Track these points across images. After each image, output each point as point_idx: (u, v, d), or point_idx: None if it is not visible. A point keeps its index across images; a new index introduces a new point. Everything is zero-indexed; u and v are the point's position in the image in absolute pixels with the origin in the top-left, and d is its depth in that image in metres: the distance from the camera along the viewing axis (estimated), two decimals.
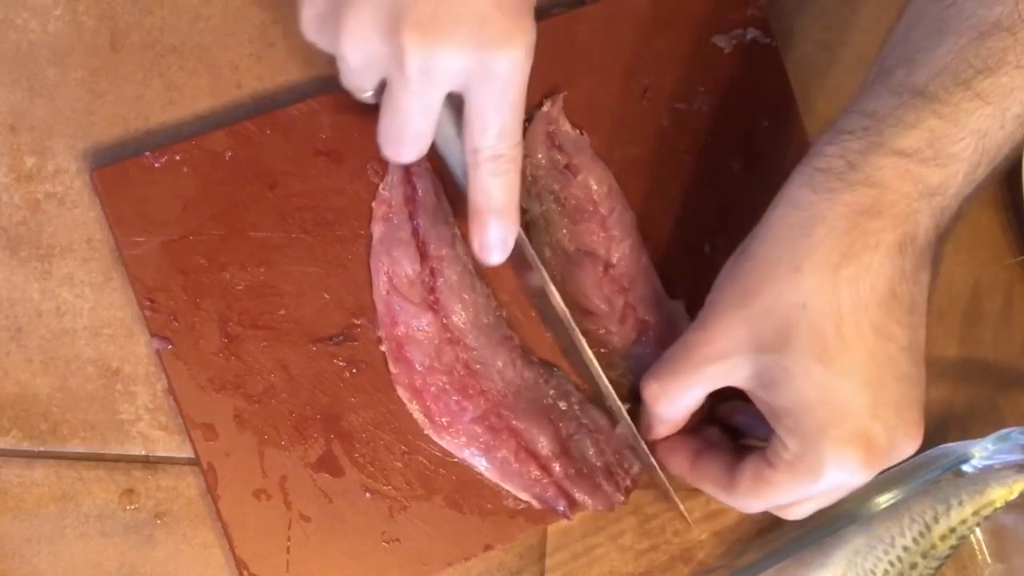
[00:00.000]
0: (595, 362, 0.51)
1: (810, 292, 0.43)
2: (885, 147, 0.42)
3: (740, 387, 0.46)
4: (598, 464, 0.53)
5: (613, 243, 0.53)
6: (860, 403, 0.43)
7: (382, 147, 0.45)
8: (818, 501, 0.47)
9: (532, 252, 0.49)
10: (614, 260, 0.53)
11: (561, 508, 0.52)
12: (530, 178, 0.53)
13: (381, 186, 0.52)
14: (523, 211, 0.53)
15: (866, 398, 0.43)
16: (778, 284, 0.43)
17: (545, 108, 0.53)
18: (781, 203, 0.45)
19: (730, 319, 0.45)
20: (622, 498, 0.53)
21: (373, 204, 0.52)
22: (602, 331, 0.54)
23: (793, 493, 0.46)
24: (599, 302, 0.53)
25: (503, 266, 0.48)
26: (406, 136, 0.44)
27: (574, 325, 0.50)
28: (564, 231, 0.53)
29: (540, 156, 0.53)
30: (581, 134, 0.54)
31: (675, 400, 0.48)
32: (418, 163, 0.52)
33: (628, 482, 0.53)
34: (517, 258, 0.48)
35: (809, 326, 0.43)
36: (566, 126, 0.53)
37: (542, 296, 0.51)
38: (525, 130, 0.53)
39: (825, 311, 0.43)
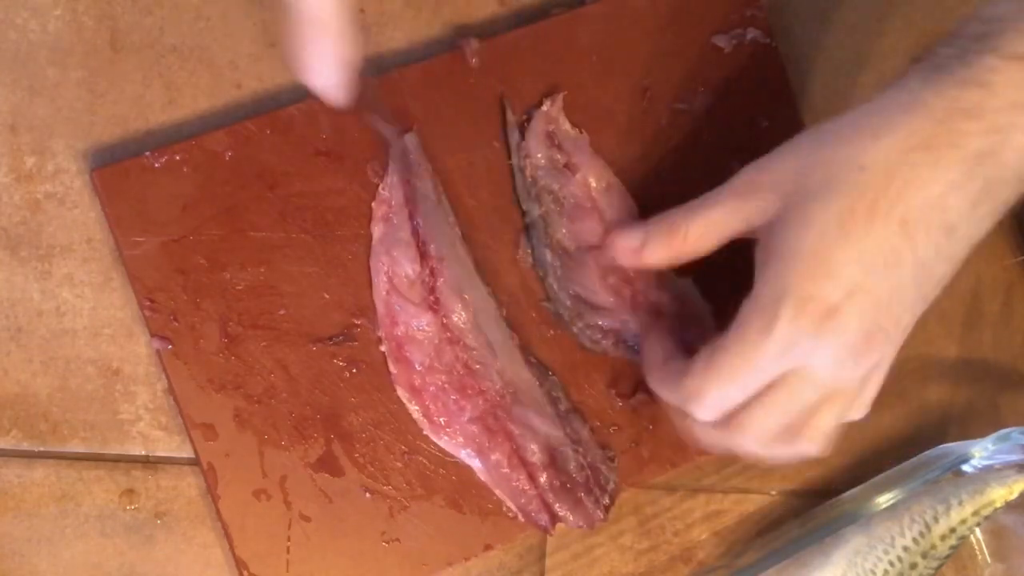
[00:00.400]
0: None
1: (874, 159, 0.42)
2: (1001, 51, 0.41)
3: (754, 230, 0.45)
4: (579, 479, 0.53)
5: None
6: (847, 278, 0.42)
7: (304, 79, 0.40)
8: (769, 396, 0.44)
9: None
10: None
11: (543, 523, 0.52)
12: (530, 179, 0.53)
13: (381, 186, 0.52)
14: (523, 214, 0.53)
15: (854, 277, 0.42)
16: (851, 144, 0.43)
17: (545, 107, 0.53)
18: (891, 87, 0.44)
19: (790, 160, 0.44)
20: (602, 515, 0.53)
21: (373, 204, 0.52)
22: (618, 325, 0.53)
23: (743, 360, 0.43)
24: (607, 295, 0.53)
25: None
26: (322, 61, 0.40)
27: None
28: (563, 231, 0.53)
29: (540, 156, 0.53)
30: (581, 133, 0.54)
31: (702, 226, 0.47)
32: (418, 163, 0.52)
33: (606, 499, 0.53)
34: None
35: (852, 188, 0.42)
36: (566, 125, 0.53)
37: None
38: (525, 130, 0.53)
39: (874, 183, 0.41)
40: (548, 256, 0.53)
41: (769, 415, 0.44)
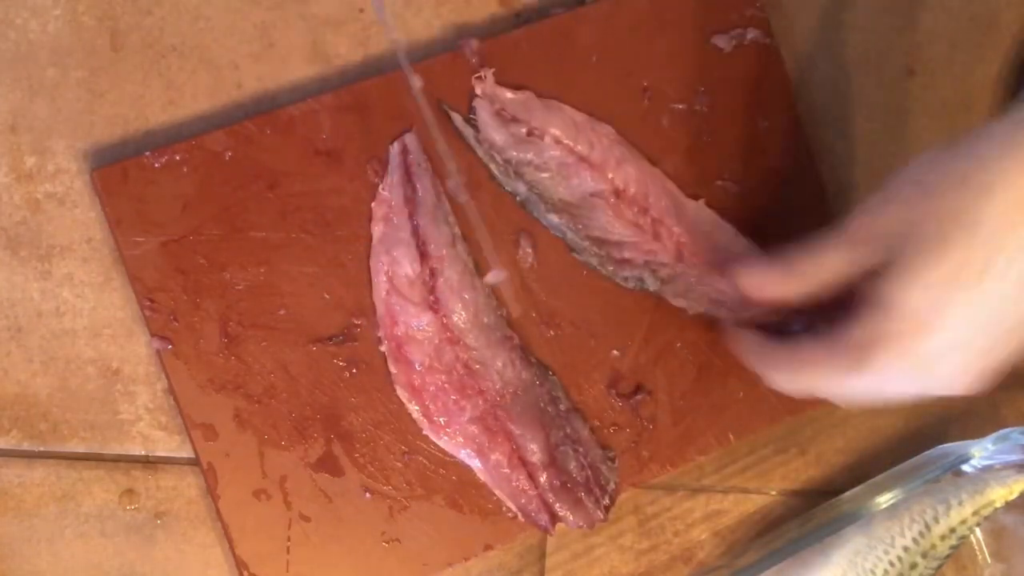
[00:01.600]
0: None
1: (989, 215, 0.40)
2: None
3: (860, 272, 0.45)
4: (579, 479, 0.53)
5: (610, 170, 0.53)
6: (952, 332, 0.41)
7: None
8: (853, 390, 0.45)
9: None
10: (621, 185, 0.53)
11: (543, 523, 0.52)
12: (503, 164, 0.52)
13: (381, 186, 0.52)
14: (513, 196, 0.53)
15: (959, 333, 0.41)
16: (962, 196, 0.41)
17: (479, 91, 0.52)
18: (995, 125, 0.42)
19: (900, 210, 0.43)
20: (602, 516, 0.53)
21: (373, 204, 0.52)
22: (646, 255, 0.53)
23: (833, 371, 0.44)
24: (626, 230, 0.53)
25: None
26: None
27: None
28: (561, 190, 0.53)
29: (500, 138, 0.52)
30: (520, 91, 0.53)
31: (818, 267, 0.47)
32: (418, 163, 0.52)
33: (606, 500, 0.53)
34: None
35: (968, 242, 0.40)
36: (507, 95, 0.53)
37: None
38: (474, 122, 0.52)
39: (989, 237, 0.40)
40: (556, 219, 0.53)
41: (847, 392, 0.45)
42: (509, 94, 0.53)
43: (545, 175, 0.53)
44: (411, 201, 0.51)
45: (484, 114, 0.52)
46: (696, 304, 0.54)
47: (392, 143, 0.52)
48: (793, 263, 0.48)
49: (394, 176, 0.51)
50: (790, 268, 0.48)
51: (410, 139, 0.52)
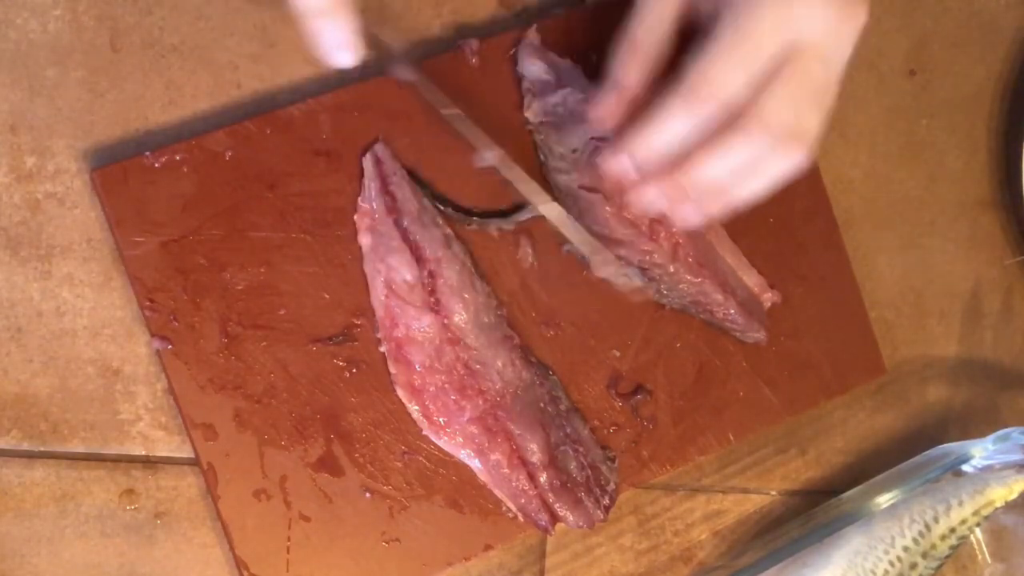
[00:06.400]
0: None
1: None
2: None
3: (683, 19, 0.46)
4: (579, 479, 0.53)
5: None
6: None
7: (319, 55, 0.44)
8: (762, 51, 0.44)
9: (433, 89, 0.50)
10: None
11: (543, 523, 0.52)
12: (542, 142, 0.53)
13: (360, 199, 0.51)
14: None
15: None
16: None
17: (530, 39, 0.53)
18: None
19: None
20: (602, 516, 0.53)
21: (356, 217, 0.51)
22: (641, 256, 0.53)
23: (737, 40, 0.43)
24: (622, 227, 0.53)
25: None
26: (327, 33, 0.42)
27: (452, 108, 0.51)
28: (568, 139, 0.53)
29: (532, 73, 0.53)
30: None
31: (649, 19, 0.46)
32: (392, 171, 0.51)
33: (606, 500, 0.53)
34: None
35: None
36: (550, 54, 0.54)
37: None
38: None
39: None
40: (563, 178, 0.53)
41: (781, 101, 0.44)
42: (555, 56, 0.53)
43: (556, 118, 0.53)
44: (393, 209, 0.51)
45: (527, 49, 0.53)
46: (676, 301, 0.54)
47: (363, 155, 0.52)
48: (629, 37, 0.47)
49: (371, 188, 0.51)
50: (631, 44, 0.47)
51: (380, 149, 0.52)
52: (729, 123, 0.44)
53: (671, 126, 0.45)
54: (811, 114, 0.45)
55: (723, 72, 0.43)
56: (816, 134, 0.45)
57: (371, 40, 0.45)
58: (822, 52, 0.44)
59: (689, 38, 0.46)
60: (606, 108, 0.48)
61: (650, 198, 0.46)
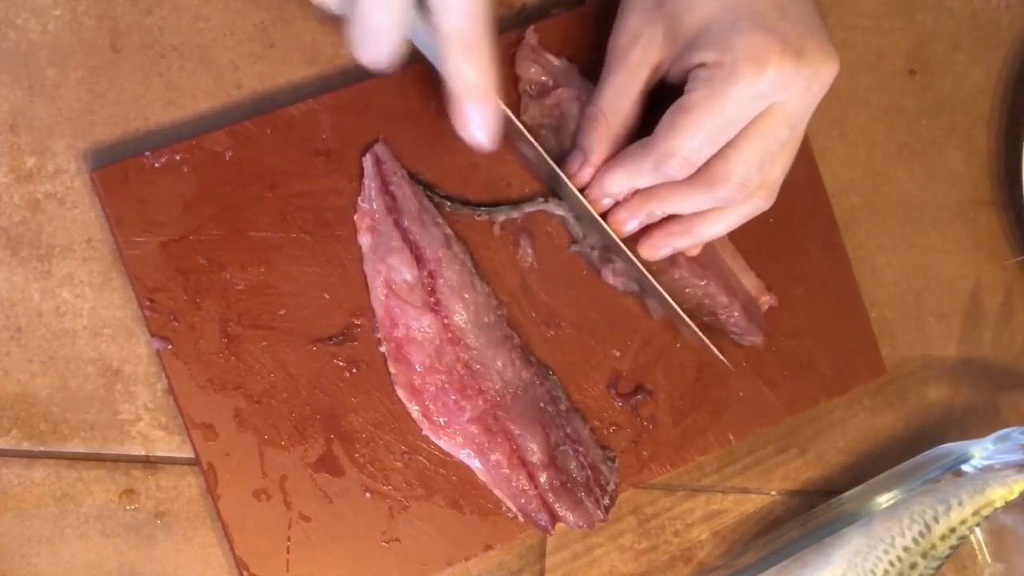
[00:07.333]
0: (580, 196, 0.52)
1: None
2: None
3: (660, 57, 0.48)
4: (579, 479, 0.53)
5: None
6: (765, 6, 0.45)
7: (356, 54, 0.44)
8: (733, 121, 0.46)
9: (520, 124, 0.50)
10: None
11: (543, 523, 0.52)
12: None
13: (360, 198, 0.51)
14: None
15: (770, 5, 0.45)
16: None
17: (529, 41, 0.53)
18: None
19: (640, 6, 0.48)
20: (602, 516, 0.53)
21: (355, 217, 0.51)
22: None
23: (710, 111, 0.46)
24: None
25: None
26: (376, 37, 0.43)
27: (560, 171, 0.52)
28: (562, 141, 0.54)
29: (528, 74, 0.53)
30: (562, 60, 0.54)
31: (614, 94, 0.50)
32: (392, 171, 0.51)
33: (606, 500, 0.53)
34: (509, 134, 0.51)
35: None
36: (550, 57, 0.54)
37: (539, 163, 0.52)
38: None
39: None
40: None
41: (746, 157, 0.47)
42: (551, 58, 0.54)
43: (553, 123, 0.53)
44: (393, 209, 0.51)
45: (525, 51, 0.53)
46: (681, 305, 0.54)
47: (363, 155, 0.52)
48: (591, 111, 0.51)
49: (371, 187, 0.51)
50: (595, 119, 0.50)
51: (380, 149, 0.52)
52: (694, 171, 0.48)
53: (639, 180, 0.50)
54: (774, 166, 0.49)
55: (693, 143, 0.47)
56: (778, 180, 0.50)
57: (505, 119, 0.48)
58: (790, 115, 0.47)
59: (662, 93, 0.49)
60: (577, 173, 0.52)
61: (620, 218, 0.51)
